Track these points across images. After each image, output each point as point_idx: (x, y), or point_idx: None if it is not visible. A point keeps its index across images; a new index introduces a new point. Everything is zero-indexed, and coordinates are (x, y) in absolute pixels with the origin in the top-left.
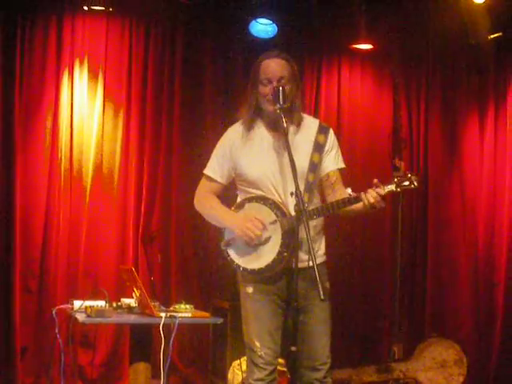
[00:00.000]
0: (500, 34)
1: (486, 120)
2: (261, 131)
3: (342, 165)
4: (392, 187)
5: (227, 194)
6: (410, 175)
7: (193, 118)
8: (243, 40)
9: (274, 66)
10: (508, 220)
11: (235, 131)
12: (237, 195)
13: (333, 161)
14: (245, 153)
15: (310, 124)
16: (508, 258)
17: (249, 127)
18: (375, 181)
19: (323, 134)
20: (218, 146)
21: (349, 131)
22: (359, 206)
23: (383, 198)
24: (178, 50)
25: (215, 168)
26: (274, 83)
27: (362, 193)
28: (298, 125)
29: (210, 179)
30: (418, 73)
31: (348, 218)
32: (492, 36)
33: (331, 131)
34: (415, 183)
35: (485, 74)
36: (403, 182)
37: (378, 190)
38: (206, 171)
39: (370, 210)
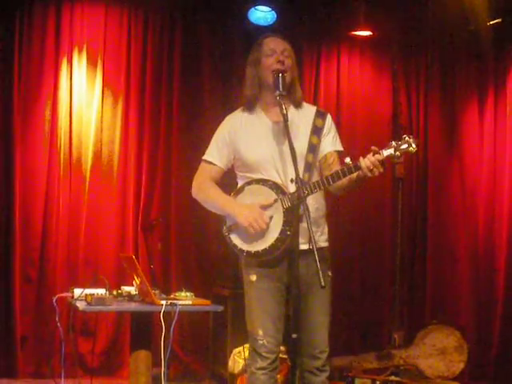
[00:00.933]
0: (499, 20)
1: (486, 106)
2: (260, 116)
3: (339, 147)
4: (391, 151)
5: (226, 181)
6: (407, 138)
7: (192, 105)
8: (242, 27)
9: (277, 40)
10: (508, 207)
11: (234, 117)
12: (237, 183)
13: (330, 143)
14: (244, 137)
15: (308, 109)
16: (508, 244)
17: (249, 109)
18: (373, 147)
19: (321, 118)
20: (217, 132)
21: (348, 118)
22: (354, 174)
23: (382, 163)
24: (176, 37)
25: (214, 153)
26: (278, 52)
27: (361, 159)
28: (297, 107)
29: (209, 164)
30: (417, 59)
31: (343, 192)
32: (491, 22)
33: (329, 115)
34: (413, 145)
35: (484, 61)
36: (402, 145)
37: (377, 155)
38: (205, 156)
39: (368, 175)
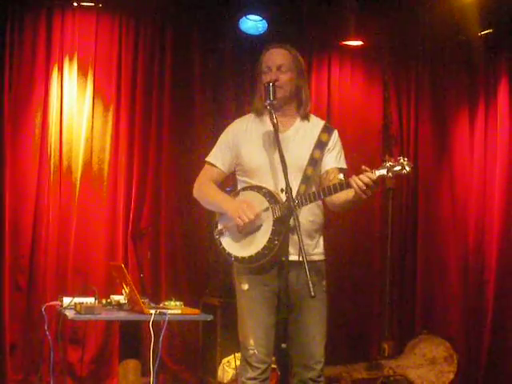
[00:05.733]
0: (490, 30)
1: (477, 117)
2: (265, 123)
3: (343, 165)
4: (383, 172)
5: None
6: (401, 160)
7: (182, 113)
8: (233, 36)
9: (273, 54)
10: (498, 217)
11: (241, 121)
12: (237, 188)
13: (334, 159)
14: (246, 142)
15: (316, 122)
16: (498, 254)
17: (257, 117)
18: (363, 167)
19: (327, 133)
20: (222, 134)
21: (339, 128)
22: (350, 193)
23: (374, 182)
24: (167, 46)
25: (217, 155)
26: (274, 70)
27: (353, 177)
28: (304, 118)
29: (211, 165)
30: (408, 69)
31: (341, 209)
32: (482, 32)
33: (336, 132)
34: (407, 168)
35: (475, 71)
36: (394, 166)
37: (369, 174)
38: (208, 158)
39: (361, 196)
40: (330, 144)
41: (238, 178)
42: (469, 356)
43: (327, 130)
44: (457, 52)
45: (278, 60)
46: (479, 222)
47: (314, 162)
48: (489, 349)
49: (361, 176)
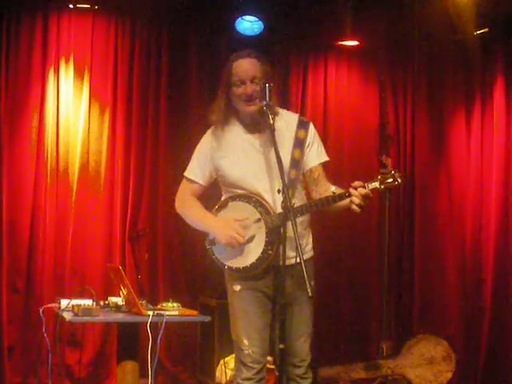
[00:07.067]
0: (486, 29)
1: (473, 116)
2: (239, 131)
3: (324, 158)
4: (376, 184)
5: (211, 194)
6: (393, 172)
7: (179, 116)
8: (229, 37)
9: (245, 66)
10: (495, 217)
11: (213, 134)
12: (221, 195)
13: (315, 156)
14: (225, 154)
15: (290, 119)
16: (495, 253)
17: (223, 128)
18: (355, 184)
19: (303, 128)
20: (197, 148)
21: (335, 128)
22: (345, 203)
23: (367, 195)
24: (163, 47)
25: (196, 170)
26: (248, 83)
27: (347, 192)
28: (275, 120)
29: (190, 181)
30: (404, 69)
31: (336, 214)
32: (478, 32)
33: (311, 125)
34: (399, 180)
35: (471, 70)
36: (387, 179)
37: (361, 189)
38: (187, 174)
39: (356, 210)
40: (309, 139)
41: (223, 187)
42: (467, 355)
43: (302, 125)
44: (453, 51)
45: (250, 72)
46: (476, 221)
47: (296, 162)
48: (487, 348)
49: (353, 191)
